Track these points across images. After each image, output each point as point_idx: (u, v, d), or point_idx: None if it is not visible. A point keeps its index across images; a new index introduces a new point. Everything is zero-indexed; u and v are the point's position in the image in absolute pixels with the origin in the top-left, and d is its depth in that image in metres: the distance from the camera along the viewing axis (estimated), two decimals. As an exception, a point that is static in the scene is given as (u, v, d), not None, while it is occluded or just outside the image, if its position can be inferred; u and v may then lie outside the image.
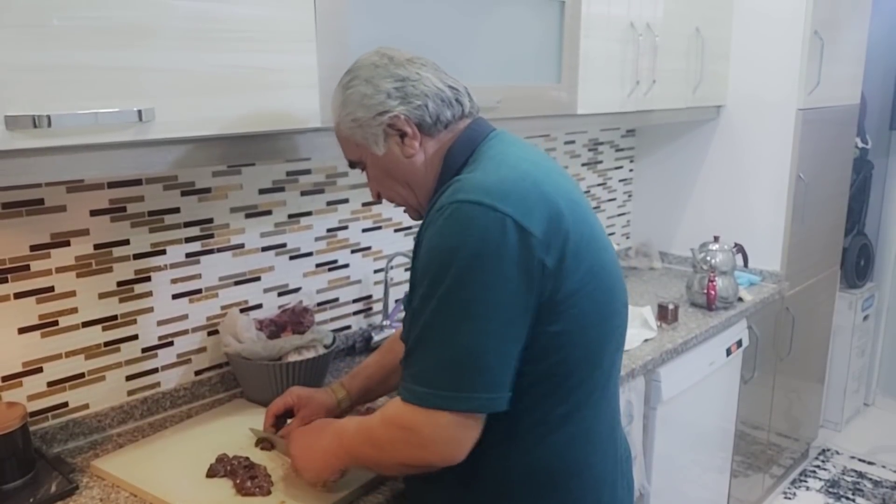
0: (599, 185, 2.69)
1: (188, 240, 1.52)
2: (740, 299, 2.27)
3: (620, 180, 2.80)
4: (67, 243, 1.34)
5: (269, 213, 1.65)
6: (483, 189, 0.94)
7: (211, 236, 1.56)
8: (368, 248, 1.89)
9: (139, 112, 1.02)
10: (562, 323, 0.97)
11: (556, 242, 0.95)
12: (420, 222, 1.06)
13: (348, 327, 1.88)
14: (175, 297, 1.52)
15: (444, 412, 0.92)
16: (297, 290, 1.74)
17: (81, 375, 1.40)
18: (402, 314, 1.97)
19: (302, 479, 1.14)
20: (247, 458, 1.24)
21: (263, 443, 1.31)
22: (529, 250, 0.92)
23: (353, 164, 1.14)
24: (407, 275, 2.00)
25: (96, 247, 1.38)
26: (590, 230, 1.01)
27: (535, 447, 1.02)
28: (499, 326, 0.92)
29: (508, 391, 0.95)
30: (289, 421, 1.30)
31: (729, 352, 2.18)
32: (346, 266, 1.85)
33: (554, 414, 1.01)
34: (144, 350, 1.49)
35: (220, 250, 1.58)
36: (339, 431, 1.08)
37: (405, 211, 1.16)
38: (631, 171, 2.84)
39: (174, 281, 1.51)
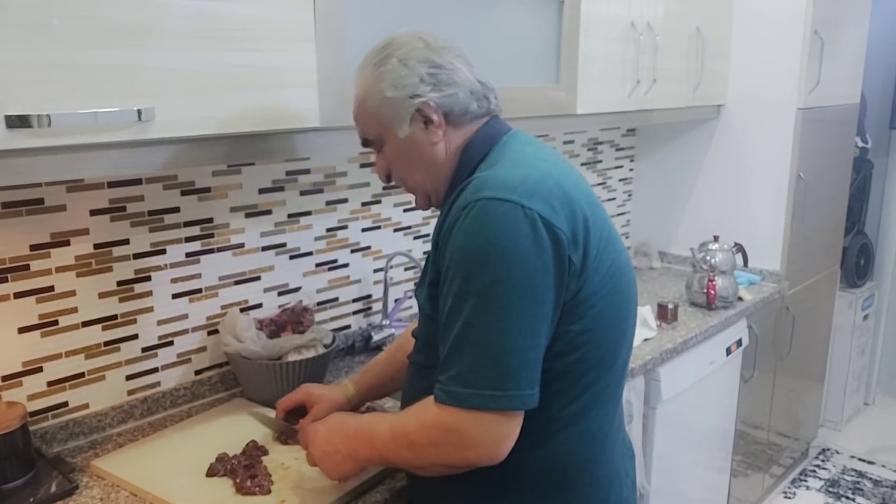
0: (599, 184, 2.69)
1: (188, 239, 1.52)
2: (740, 299, 2.27)
3: (620, 180, 2.80)
4: (67, 243, 1.35)
5: (268, 212, 1.66)
6: (508, 187, 0.93)
7: (211, 236, 1.56)
8: (368, 247, 1.89)
9: (139, 111, 1.02)
10: (583, 322, 0.98)
11: (580, 241, 0.95)
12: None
13: (348, 327, 1.88)
14: (175, 296, 1.52)
15: (489, 412, 0.92)
16: (296, 289, 1.74)
17: (81, 375, 1.40)
18: (402, 313, 1.97)
19: (327, 477, 1.12)
20: (247, 458, 1.25)
21: (281, 436, 1.33)
22: (559, 246, 0.93)
23: (367, 143, 1.12)
24: (407, 274, 2.01)
25: (96, 246, 1.39)
26: (608, 232, 1.02)
27: (546, 444, 1.02)
28: (535, 323, 0.93)
29: (538, 387, 0.95)
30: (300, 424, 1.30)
31: (729, 351, 2.18)
32: (345, 266, 1.85)
33: (567, 411, 1.02)
34: (144, 349, 1.49)
35: (219, 250, 1.58)
36: (369, 436, 1.05)
37: (414, 200, 1.15)
38: (631, 170, 2.84)
39: (174, 280, 1.51)
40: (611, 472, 1.09)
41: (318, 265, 1.78)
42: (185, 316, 1.54)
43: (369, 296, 1.92)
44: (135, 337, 1.47)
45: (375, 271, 1.92)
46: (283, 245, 1.70)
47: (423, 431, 0.97)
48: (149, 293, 1.48)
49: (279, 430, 1.34)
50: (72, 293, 1.36)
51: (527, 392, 0.93)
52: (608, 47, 1.95)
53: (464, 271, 0.93)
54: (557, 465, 1.03)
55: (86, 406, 1.41)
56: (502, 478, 1.03)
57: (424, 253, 2.02)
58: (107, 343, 1.43)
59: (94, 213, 1.37)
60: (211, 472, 1.21)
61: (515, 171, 0.97)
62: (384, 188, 1.89)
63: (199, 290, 1.56)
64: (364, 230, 1.88)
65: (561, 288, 0.94)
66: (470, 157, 1.06)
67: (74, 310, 1.37)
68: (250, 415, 1.40)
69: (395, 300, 1.94)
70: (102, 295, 1.41)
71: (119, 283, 1.43)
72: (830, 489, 2.94)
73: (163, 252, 1.48)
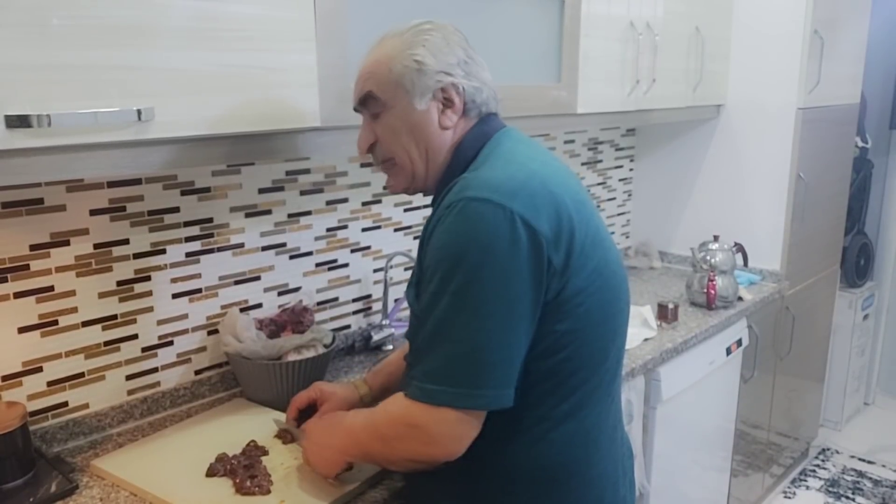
0: (599, 184, 2.69)
1: (188, 239, 1.52)
2: (740, 298, 2.27)
3: (620, 179, 2.80)
4: (67, 243, 1.34)
5: (268, 212, 1.66)
6: (491, 187, 0.94)
7: (211, 236, 1.56)
8: (368, 247, 1.89)
9: (138, 111, 1.02)
10: (568, 321, 0.98)
11: (563, 241, 0.95)
12: (424, 219, 1.06)
13: (348, 327, 1.88)
14: (175, 296, 1.52)
15: (452, 409, 0.93)
16: (296, 289, 1.74)
17: (81, 375, 1.40)
18: (402, 313, 1.97)
19: (315, 472, 1.14)
20: (246, 458, 1.24)
21: (285, 435, 1.32)
22: (538, 248, 0.93)
23: (362, 105, 1.08)
24: (407, 274, 2.00)
25: (96, 246, 1.38)
26: (595, 230, 1.02)
27: (537, 444, 1.02)
28: (510, 322, 0.93)
29: (514, 387, 0.95)
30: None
31: (729, 351, 2.18)
32: (345, 265, 1.85)
33: (557, 411, 1.02)
34: (144, 349, 1.49)
35: (219, 250, 1.58)
36: (349, 428, 1.07)
37: (388, 182, 1.12)
38: (631, 170, 2.84)
39: (174, 280, 1.51)
40: (605, 471, 1.09)
41: (318, 265, 1.78)
42: (185, 316, 1.54)
43: (369, 296, 1.92)
44: (135, 337, 1.47)
45: (375, 271, 1.92)
46: (283, 245, 1.70)
47: (390, 425, 0.99)
48: (149, 293, 1.48)
49: (286, 428, 1.34)
50: (72, 293, 1.36)
51: (496, 392, 0.93)
52: (608, 47, 1.95)
53: (441, 270, 0.94)
54: (549, 465, 1.03)
55: (86, 406, 1.41)
56: (495, 478, 1.03)
57: (424, 253, 2.02)
58: (107, 343, 1.43)
59: (93, 213, 1.37)
60: (211, 472, 1.21)
61: (501, 171, 0.97)
62: (384, 188, 1.89)
63: (199, 290, 1.56)
64: (364, 230, 1.88)
65: (539, 288, 0.94)
66: (463, 154, 1.06)
67: (74, 310, 1.37)
68: (274, 422, 1.39)
69: (395, 300, 1.94)
70: (102, 295, 1.41)
71: (119, 283, 1.43)
72: (830, 489, 2.94)
73: (163, 252, 1.48)
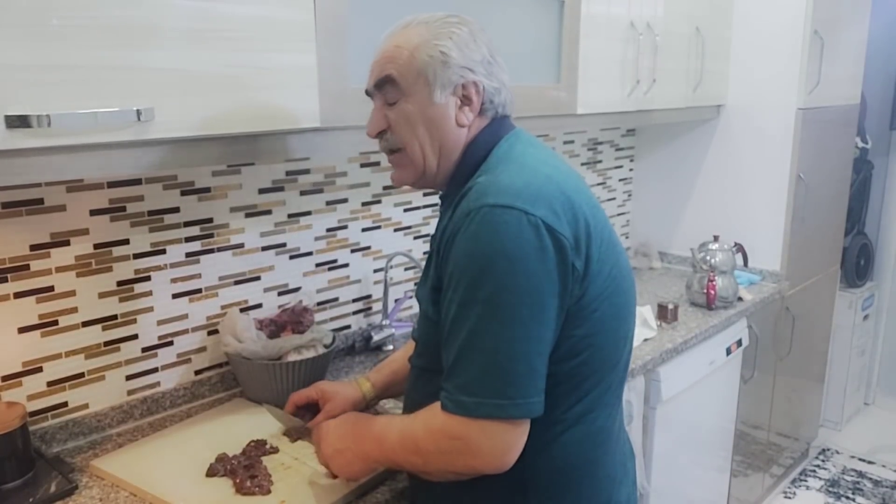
0: (599, 184, 2.69)
1: (188, 239, 1.52)
2: (740, 299, 2.27)
3: (620, 180, 2.80)
4: (67, 243, 1.34)
5: (268, 212, 1.66)
6: (511, 193, 0.92)
7: (211, 236, 1.56)
8: (368, 247, 1.89)
9: (138, 112, 1.02)
10: (586, 326, 0.97)
11: (582, 246, 0.95)
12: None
13: (348, 327, 1.88)
14: (175, 296, 1.52)
15: (495, 421, 0.92)
16: (296, 289, 1.74)
17: (81, 375, 1.40)
18: (402, 313, 1.97)
19: (334, 475, 1.13)
20: (247, 458, 1.24)
21: (291, 434, 1.32)
22: (563, 253, 0.92)
23: (378, 88, 1.05)
24: (407, 274, 2.00)
25: (96, 246, 1.38)
26: (609, 234, 1.02)
27: (549, 446, 1.02)
28: (542, 329, 0.92)
29: (543, 394, 0.95)
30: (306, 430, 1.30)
31: (729, 351, 2.18)
32: (345, 265, 1.85)
33: (570, 413, 1.02)
34: (144, 350, 1.49)
35: (219, 250, 1.58)
36: (379, 438, 1.05)
37: (395, 175, 1.09)
38: (631, 170, 2.84)
39: (174, 280, 1.51)
40: (611, 472, 1.09)
41: (318, 265, 1.78)
42: (185, 316, 1.54)
43: (369, 296, 1.92)
44: (135, 337, 1.47)
45: (375, 271, 1.92)
46: (283, 245, 1.70)
47: (430, 439, 0.97)
48: (149, 293, 1.47)
49: (290, 425, 1.34)
50: (72, 293, 1.36)
51: (533, 400, 0.93)
52: (608, 47, 1.95)
53: (468, 279, 0.92)
54: (561, 467, 1.03)
55: (85, 406, 1.41)
56: (505, 479, 1.02)
57: (424, 253, 2.02)
58: (107, 343, 1.43)
59: (94, 213, 1.37)
60: (211, 472, 1.21)
61: (517, 177, 0.96)
62: (384, 188, 1.89)
63: (199, 290, 1.56)
64: (364, 230, 1.88)
65: (564, 294, 0.94)
66: (475, 153, 1.05)
67: (74, 310, 1.37)
68: (266, 408, 1.39)
69: (395, 300, 1.94)
70: (102, 295, 1.40)
71: (119, 283, 1.43)
72: (830, 489, 2.94)
73: (163, 252, 1.48)
